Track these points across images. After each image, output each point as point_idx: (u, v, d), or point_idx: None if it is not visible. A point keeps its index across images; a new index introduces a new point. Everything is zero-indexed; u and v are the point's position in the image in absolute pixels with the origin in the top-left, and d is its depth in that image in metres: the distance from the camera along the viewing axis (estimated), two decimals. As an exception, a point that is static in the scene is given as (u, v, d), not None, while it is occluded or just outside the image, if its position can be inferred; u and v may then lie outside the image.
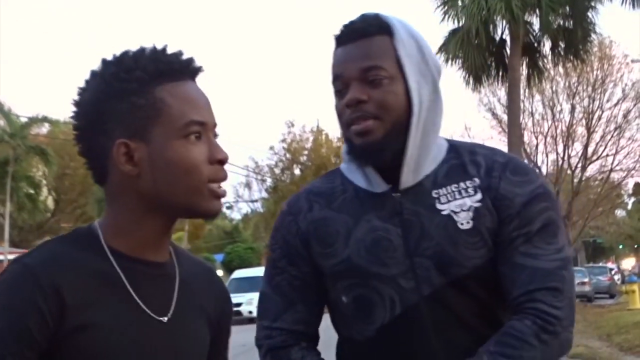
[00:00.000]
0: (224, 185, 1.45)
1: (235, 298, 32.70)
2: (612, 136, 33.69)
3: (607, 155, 34.09)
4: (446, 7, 21.65)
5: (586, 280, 32.88)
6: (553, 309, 1.64)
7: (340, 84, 1.73)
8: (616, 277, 44.23)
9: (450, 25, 21.89)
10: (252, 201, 49.40)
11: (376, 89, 1.69)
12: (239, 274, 36.68)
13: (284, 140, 46.56)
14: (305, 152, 46.62)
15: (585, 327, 18.15)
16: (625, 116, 33.58)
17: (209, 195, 1.41)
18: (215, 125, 1.45)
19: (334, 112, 1.77)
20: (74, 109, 1.44)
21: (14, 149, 30.88)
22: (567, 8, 21.80)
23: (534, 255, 1.68)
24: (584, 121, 33.18)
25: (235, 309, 32.20)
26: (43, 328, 1.30)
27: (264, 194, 48.15)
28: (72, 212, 38.41)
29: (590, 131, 33.16)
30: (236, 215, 59.44)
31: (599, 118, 33.46)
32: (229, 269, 46.18)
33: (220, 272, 52.74)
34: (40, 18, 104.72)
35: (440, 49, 21.97)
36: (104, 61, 1.44)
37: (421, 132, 1.72)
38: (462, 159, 1.77)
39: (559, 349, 1.67)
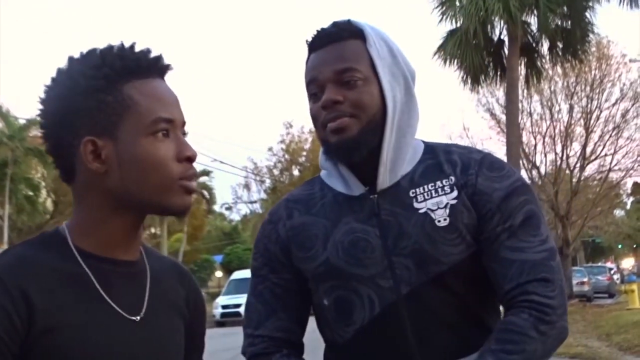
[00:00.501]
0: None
1: (234, 299, 32.72)
2: (610, 136, 33.65)
3: (606, 155, 34.06)
4: (444, 8, 21.66)
5: (585, 280, 32.91)
6: (546, 299, 1.67)
7: (315, 87, 1.75)
8: (615, 277, 44.26)
9: (448, 25, 21.93)
10: (251, 202, 49.38)
11: (351, 90, 1.72)
12: (238, 275, 36.61)
13: (282, 141, 46.55)
14: (304, 153, 46.60)
15: (585, 327, 18.15)
16: (623, 116, 33.54)
17: (179, 190, 1.40)
18: (184, 123, 1.44)
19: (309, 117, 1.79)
20: (40, 106, 1.42)
21: (13, 150, 30.85)
22: (565, 8, 21.81)
23: (521, 248, 1.71)
24: (582, 121, 33.15)
25: (234, 310, 32.30)
26: (12, 333, 1.28)
27: (263, 195, 48.12)
28: (71, 213, 38.21)
29: (588, 131, 33.13)
30: (235, 217, 59.56)
31: (597, 118, 33.43)
32: (228, 270, 46.18)
33: (219, 273, 52.79)
34: (39, 19, 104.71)
35: (438, 50, 22.00)
36: (71, 58, 1.42)
37: (396, 133, 1.74)
38: (438, 159, 1.79)
39: (557, 337, 1.68)
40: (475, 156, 1.81)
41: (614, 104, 33.37)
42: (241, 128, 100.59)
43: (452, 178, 1.76)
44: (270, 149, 46.49)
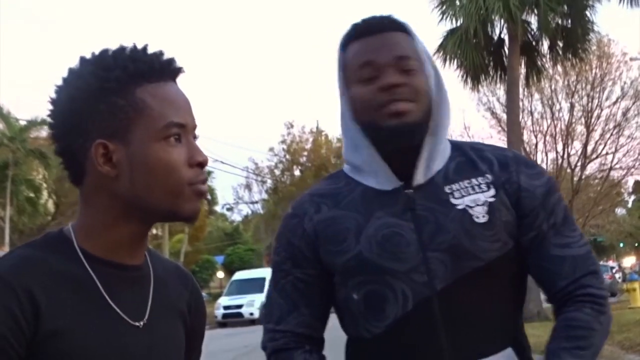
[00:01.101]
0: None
1: (236, 300, 32.74)
2: (611, 134, 33.62)
3: (607, 153, 34.02)
4: (444, 7, 21.64)
5: (587, 278, 32.76)
6: (600, 291, 1.73)
7: (372, 70, 1.73)
8: (617, 276, 44.24)
9: (448, 25, 21.89)
10: (252, 202, 49.44)
11: (411, 77, 1.72)
12: (239, 275, 36.65)
13: (283, 142, 46.62)
14: (305, 153, 46.62)
15: (587, 326, 18.08)
16: (624, 114, 33.51)
17: (190, 195, 1.39)
18: (195, 127, 1.43)
19: (356, 101, 1.75)
20: (51, 107, 1.41)
21: (14, 152, 30.87)
22: (565, 7, 21.79)
23: (568, 244, 1.75)
24: (583, 120, 33.11)
25: (236, 310, 32.33)
26: (19, 334, 1.27)
27: (264, 195, 48.19)
28: (73, 215, 38.39)
29: (589, 130, 33.10)
30: (236, 217, 59.55)
31: (598, 116, 33.40)
32: (230, 270, 46.18)
33: (221, 274, 52.79)
34: (38, 20, 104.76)
35: (439, 49, 21.97)
36: (83, 59, 1.40)
37: (437, 129, 1.76)
38: (468, 156, 1.80)
39: (609, 326, 1.74)
40: (508, 153, 1.83)
41: (614, 103, 33.35)
42: (242, 128, 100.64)
43: (489, 176, 1.76)
44: (271, 149, 46.59)
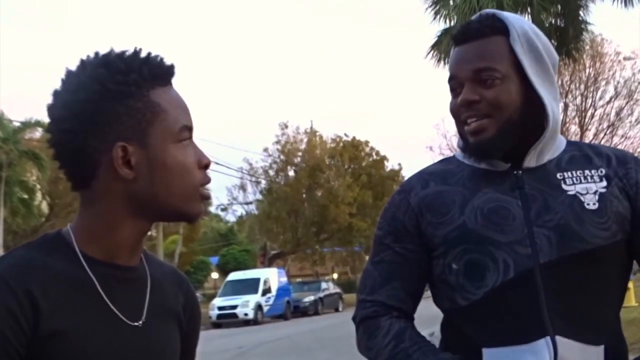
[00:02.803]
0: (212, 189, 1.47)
1: (230, 300, 32.70)
2: (605, 134, 33.70)
3: (601, 153, 34.06)
4: (437, 7, 21.67)
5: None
6: None
7: (455, 83, 1.79)
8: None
9: (441, 24, 21.92)
10: (247, 203, 49.36)
11: (489, 89, 1.75)
12: (234, 276, 36.64)
13: (278, 142, 46.58)
14: (299, 154, 46.61)
15: (581, 325, 18.11)
16: (618, 114, 33.61)
17: (198, 198, 1.43)
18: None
19: (447, 111, 1.83)
20: (56, 110, 1.40)
21: (7, 153, 30.79)
22: (559, 7, 21.84)
23: None
24: (577, 119, 33.20)
25: (230, 311, 32.29)
26: (19, 334, 1.28)
27: (259, 196, 48.14)
28: (67, 216, 38.31)
29: (583, 129, 33.18)
30: (231, 218, 59.50)
31: (592, 116, 33.50)
32: (224, 271, 46.19)
33: (215, 275, 52.78)
34: (33, 20, 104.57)
35: (432, 49, 22.01)
36: (86, 62, 1.40)
37: (551, 127, 1.79)
38: (584, 152, 1.85)
39: None
40: (628, 153, 1.89)
41: (608, 102, 33.44)
42: (236, 129, 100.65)
43: (603, 170, 1.80)
44: (265, 150, 46.53)
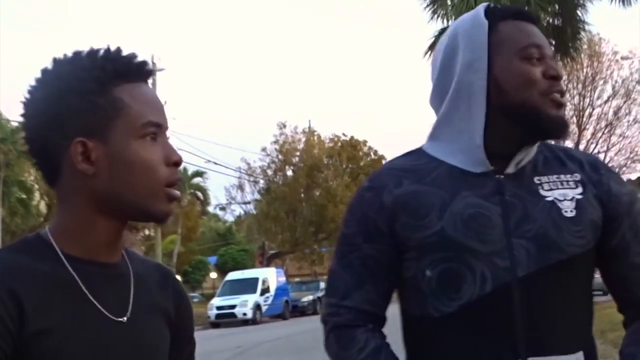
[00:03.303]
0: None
1: (229, 300, 32.69)
2: (603, 133, 33.78)
3: (599, 152, 34.11)
4: (435, 7, 21.68)
5: (579, 277, 32.83)
6: None
7: (538, 53, 1.75)
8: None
9: (439, 24, 21.93)
10: (245, 203, 49.36)
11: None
12: (232, 276, 36.63)
13: (276, 142, 46.57)
14: (297, 153, 46.61)
15: (579, 324, 18.13)
16: (615, 113, 33.69)
17: (164, 198, 1.41)
18: (167, 128, 1.46)
19: (513, 75, 1.73)
20: (26, 107, 1.42)
21: (5, 154, 30.77)
22: (556, 6, 21.85)
23: None
24: (574, 119, 33.23)
25: (229, 311, 32.28)
26: (5, 333, 1.28)
27: (257, 196, 48.12)
28: (65, 216, 38.14)
29: (581, 128, 33.23)
30: (229, 217, 59.49)
31: (590, 115, 33.56)
32: (223, 271, 46.19)
33: (213, 274, 52.76)
34: (30, 20, 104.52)
35: (430, 49, 22.00)
36: (57, 60, 1.43)
37: None
38: (556, 154, 1.82)
39: None
40: (598, 159, 1.88)
41: (606, 102, 33.51)
42: (234, 128, 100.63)
43: (578, 175, 1.78)
44: (263, 150, 46.52)
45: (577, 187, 1.76)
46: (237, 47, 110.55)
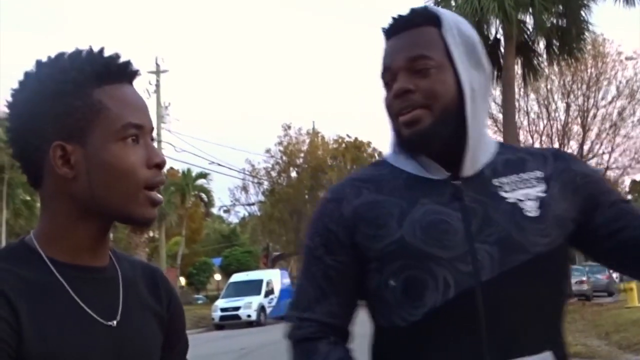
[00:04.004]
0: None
1: (233, 302, 32.67)
2: (607, 134, 33.75)
3: (603, 153, 34.16)
4: (439, 7, 21.69)
5: (584, 278, 32.86)
6: None
7: (389, 75, 1.72)
8: (614, 275, 44.29)
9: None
10: (249, 204, 49.42)
11: (424, 79, 1.69)
12: (237, 277, 36.59)
13: (280, 143, 46.61)
14: (302, 155, 46.63)
15: (584, 326, 18.16)
16: (620, 114, 33.64)
17: (144, 201, 1.39)
18: (152, 129, 1.44)
19: (382, 105, 1.75)
20: (8, 110, 1.40)
21: (10, 155, 30.84)
22: (561, 7, 21.85)
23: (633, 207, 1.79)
24: (579, 119, 33.25)
25: (233, 312, 32.26)
26: (10, 332, 1.27)
27: (261, 197, 48.17)
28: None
29: (585, 129, 33.21)
30: (233, 219, 59.52)
31: (594, 116, 33.52)
32: (227, 272, 46.15)
33: (218, 276, 52.76)
34: (32, 21, 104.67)
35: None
36: (39, 63, 1.41)
37: (478, 121, 1.73)
38: (518, 155, 1.79)
39: None
40: (562, 150, 1.86)
41: (610, 102, 33.48)
42: (238, 130, 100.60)
43: (539, 172, 1.76)
44: (268, 151, 46.56)
45: (539, 184, 1.74)
46: (240, 48, 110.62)
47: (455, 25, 1.75)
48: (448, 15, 1.77)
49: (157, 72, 36.65)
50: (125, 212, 1.39)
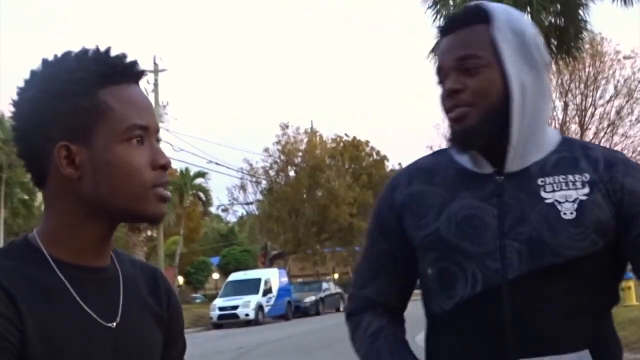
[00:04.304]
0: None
1: (231, 301, 32.68)
2: (605, 133, 33.74)
3: (601, 152, 34.06)
4: (437, 7, 21.67)
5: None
6: None
7: (442, 74, 1.76)
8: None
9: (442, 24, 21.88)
10: (247, 203, 49.42)
11: (472, 77, 1.72)
12: (235, 276, 36.61)
13: (278, 142, 46.61)
14: (300, 154, 46.61)
15: (582, 324, 18.10)
16: (618, 113, 33.65)
17: (154, 198, 1.39)
18: (157, 130, 1.43)
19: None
20: (13, 109, 1.40)
21: (8, 155, 30.80)
22: (558, 6, 21.83)
23: None
24: (577, 118, 33.25)
25: (231, 311, 32.27)
26: (14, 331, 1.27)
27: (259, 196, 48.18)
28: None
29: (583, 128, 33.21)
30: (231, 218, 59.51)
31: (592, 115, 33.54)
32: (225, 271, 46.15)
33: (216, 275, 52.75)
34: (32, 21, 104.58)
35: (433, 49, 21.99)
36: (45, 62, 1.40)
37: (528, 118, 1.73)
38: (574, 153, 1.78)
39: None
40: (619, 155, 1.81)
41: (608, 101, 33.49)
42: (236, 129, 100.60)
43: (587, 175, 1.74)
44: (266, 150, 46.55)
45: (584, 187, 1.72)
46: (239, 47, 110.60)
47: (507, 21, 1.76)
48: (500, 12, 1.77)
49: (156, 71, 36.58)
50: (136, 211, 1.39)
